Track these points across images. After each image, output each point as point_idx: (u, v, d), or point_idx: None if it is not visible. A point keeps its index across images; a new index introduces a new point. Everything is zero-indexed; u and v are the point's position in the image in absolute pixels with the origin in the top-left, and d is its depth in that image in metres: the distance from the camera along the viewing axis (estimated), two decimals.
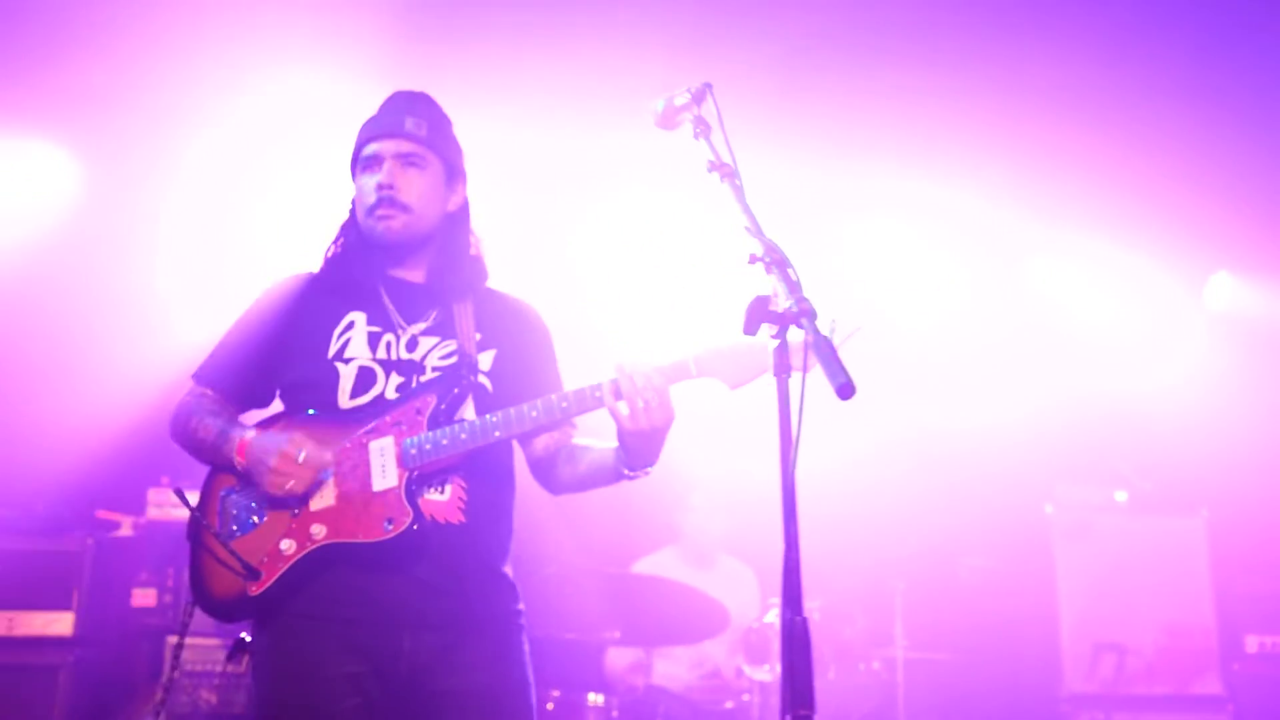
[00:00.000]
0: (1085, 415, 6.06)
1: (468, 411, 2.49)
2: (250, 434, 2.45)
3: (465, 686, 2.39)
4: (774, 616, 4.47)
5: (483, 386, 2.53)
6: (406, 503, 2.36)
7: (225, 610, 2.45)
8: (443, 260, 2.61)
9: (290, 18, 4.53)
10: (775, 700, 4.35)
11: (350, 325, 2.55)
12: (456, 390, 2.47)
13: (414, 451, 2.40)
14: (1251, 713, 5.63)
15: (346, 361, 2.52)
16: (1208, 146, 5.71)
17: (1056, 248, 6.50)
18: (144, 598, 5.06)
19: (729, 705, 4.63)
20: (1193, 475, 5.92)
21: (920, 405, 5.63)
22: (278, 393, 2.62)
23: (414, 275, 2.62)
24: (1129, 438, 6.11)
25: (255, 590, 2.39)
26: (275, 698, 2.41)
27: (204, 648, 4.77)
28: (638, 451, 2.36)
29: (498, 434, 2.39)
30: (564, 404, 2.37)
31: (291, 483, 2.38)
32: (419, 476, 2.41)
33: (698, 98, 2.28)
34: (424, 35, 4.68)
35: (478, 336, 2.57)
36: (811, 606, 4.60)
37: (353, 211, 2.63)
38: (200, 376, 2.63)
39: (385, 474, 2.40)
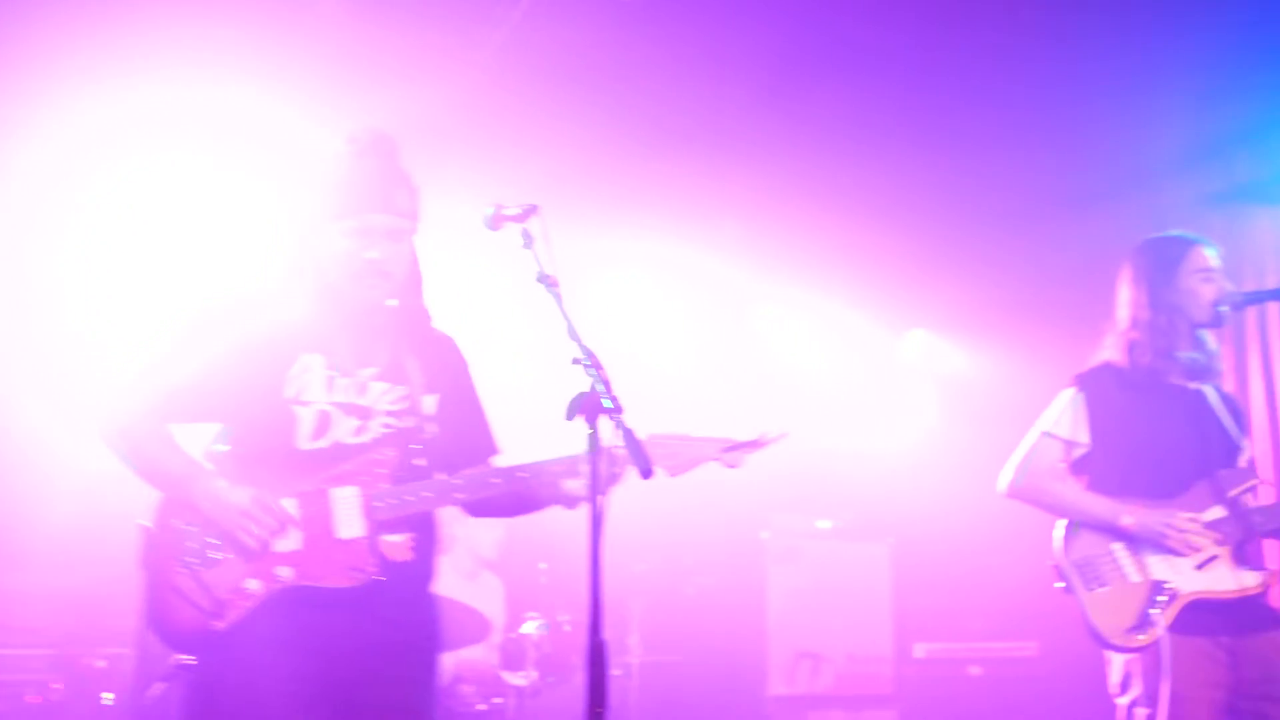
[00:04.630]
0: (798, 452, 6.95)
1: (419, 459, 2.70)
2: (220, 482, 2.54)
3: (397, 699, 2.60)
4: (530, 628, 5.02)
5: (433, 434, 2.73)
6: (371, 552, 2.57)
7: (183, 642, 2.54)
8: (397, 310, 2.77)
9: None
10: (529, 703, 4.90)
11: (306, 367, 2.66)
12: (415, 446, 2.68)
13: (380, 505, 2.59)
14: (916, 708, 6.66)
15: (305, 404, 2.63)
16: (907, 220, 6.68)
17: (777, 300, 7.43)
18: None
19: (482, 707, 5.12)
20: (883, 507, 6.92)
21: None
22: (224, 424, 2.68)
23: (368, 320, 2.74)
24: (834, 473, 7.06)
25: (220, 626, 2.49)
26: None
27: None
28: (579, 503, 2.73)
29: (459, 496, 2.65)
30: (522, 474, 2.66)
31: (257, 530, 2.50)
32: (381, 526, 2.60)
33: (526, 213, 2.66)
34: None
35: (423, 382, 2.75)
36: (563, 619, 5.19)
37: (307, 248, 2.70)
38: (149, 399, 2.64)
39: (350, 523, 2.57)
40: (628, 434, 2.30)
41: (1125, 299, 3.65)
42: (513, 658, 4.98)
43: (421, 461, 2.71)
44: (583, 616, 5.24)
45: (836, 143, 5.89)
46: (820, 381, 7.53)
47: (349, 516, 2.59)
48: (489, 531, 5.70)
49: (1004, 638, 6.72)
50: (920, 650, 6.71)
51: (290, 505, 2.58)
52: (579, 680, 5.01)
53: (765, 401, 7.08)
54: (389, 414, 2.70)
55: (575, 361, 2.44)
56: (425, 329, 2.86)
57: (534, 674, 4.87)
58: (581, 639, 5.15)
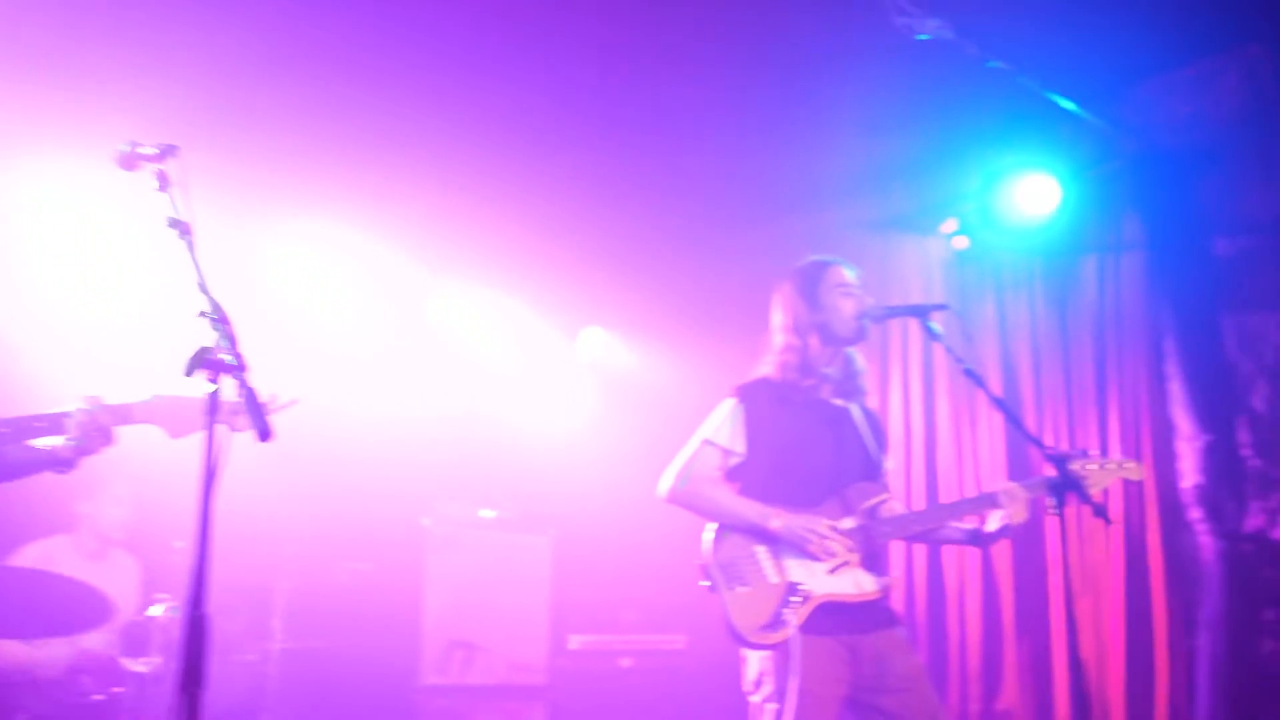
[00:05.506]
0: (466, 442, 6.93)
1: None
2: None
3: None
4: (157, 610, 4.66)
5: None
6: None
7: None
8: None
9: None
10: (150, 691, 4.54)
11: None
12: None
13: None
14: (566, 699, 6.73)
15: None
16: (589, 223, 6.78)
17: (454, 293, 7.37)
18: None
19: (99, 698, 4.71)
20: (547, 499, 6.97)
21: (322, 428, 6.08)
22: None
23: None
24: (501, 464, 7.05)
25: None
26: None
27: None
28: (71, 464, 2.69)
29: None
30: (4, 429, 2.54)
31: None
32: None
33: (164, 154, 2.53)
34: None
35: None
36: None
37: None
38: None
39: None
40: (249, 394, 2.18)
41: (777, 322, 3.85)
42: (135, 643, 4.61)
43: None
44: (216, 597, 4.94)
45: (522, 145, 5.90)
46: (493, 374, 7.53)
47: None
48: (115, 509, 5.30)
49: (654, 631, 6.91)
50: (575, 642, 6.79)
51: None
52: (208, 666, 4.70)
53: (436, 391, 6.98)
54: None
55: (202, 315, 2.27)
56: None
57: (158, 659, 4.53)
58: (217, 623, 4.85)
